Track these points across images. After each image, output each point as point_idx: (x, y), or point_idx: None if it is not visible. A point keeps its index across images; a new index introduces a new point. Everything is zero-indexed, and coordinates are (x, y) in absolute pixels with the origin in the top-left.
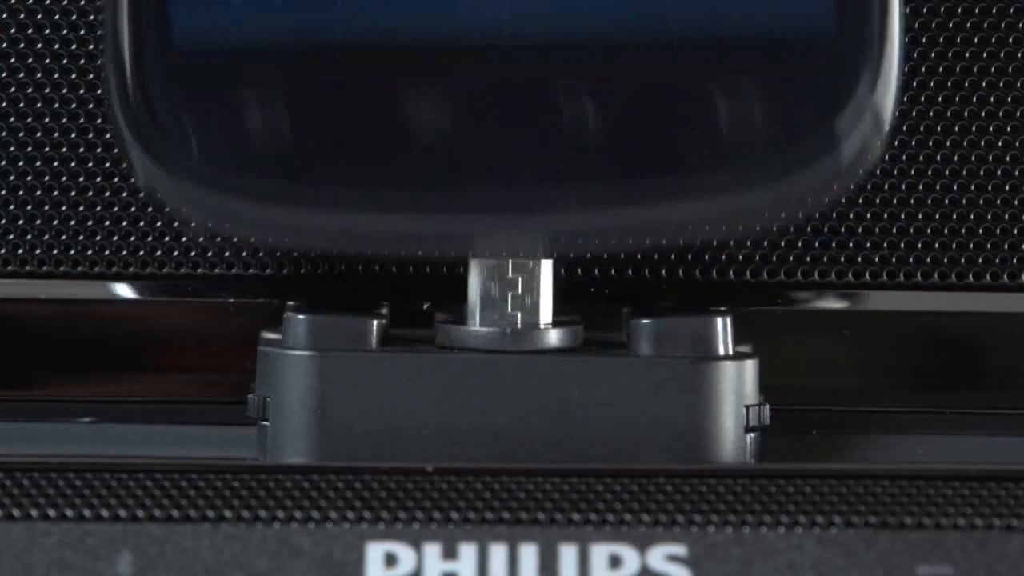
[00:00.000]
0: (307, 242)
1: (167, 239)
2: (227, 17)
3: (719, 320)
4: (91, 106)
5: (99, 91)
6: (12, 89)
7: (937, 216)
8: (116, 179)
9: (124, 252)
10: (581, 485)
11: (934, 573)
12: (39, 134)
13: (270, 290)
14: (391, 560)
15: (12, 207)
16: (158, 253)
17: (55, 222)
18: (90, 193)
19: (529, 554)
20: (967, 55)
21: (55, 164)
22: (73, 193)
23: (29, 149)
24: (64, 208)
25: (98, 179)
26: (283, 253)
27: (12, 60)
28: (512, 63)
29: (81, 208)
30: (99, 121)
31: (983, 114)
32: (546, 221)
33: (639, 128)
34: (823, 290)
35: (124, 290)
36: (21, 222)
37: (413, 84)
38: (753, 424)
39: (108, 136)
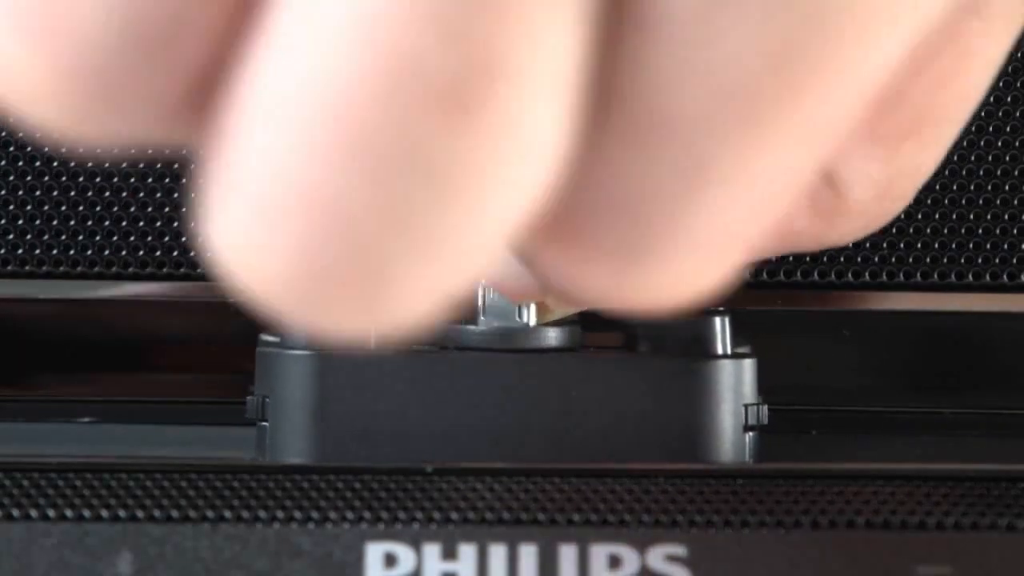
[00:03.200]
0: None
1: (167, 239)
2: None
3: (718, 320)
4: None
5: None
6: None
7: (937, 216)
8: (116, 179)
9: (124, 252)
10: (581, 485)
11: (934, 573)
12: (39, 134)
13: None
14: (391, 560)
15: (12, 207)
16: (158, 253)
17: (55, 222)
18: (90, 193)
19: (529, 554)
20: None
21: (55, 164)
22: (73, 193)
23: (29, 149)
24: (64, 208)
25: (98, 179)
26: None
27: None
28: None
29: (81, 208)
30: None
31: (983, 114)
32: None
33: None
34: (823, 290)
35: (124, 290)
36: (21, 222)
37: None
38: (752, 423)
39: None
